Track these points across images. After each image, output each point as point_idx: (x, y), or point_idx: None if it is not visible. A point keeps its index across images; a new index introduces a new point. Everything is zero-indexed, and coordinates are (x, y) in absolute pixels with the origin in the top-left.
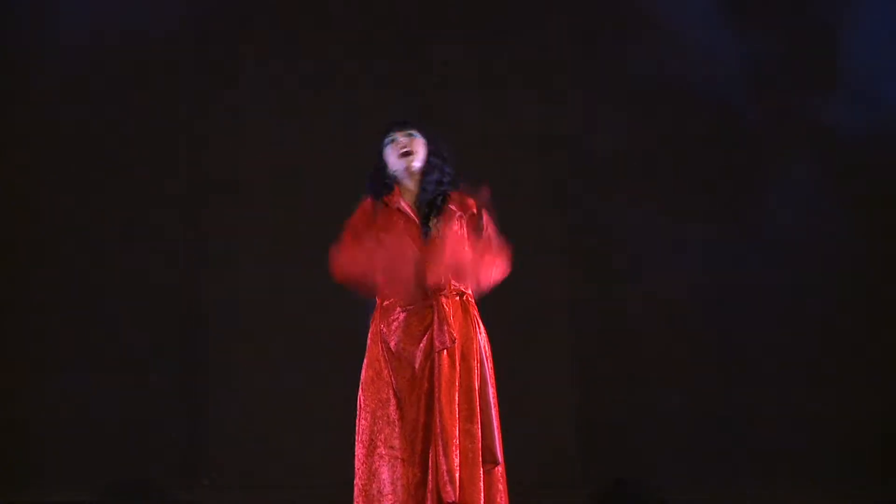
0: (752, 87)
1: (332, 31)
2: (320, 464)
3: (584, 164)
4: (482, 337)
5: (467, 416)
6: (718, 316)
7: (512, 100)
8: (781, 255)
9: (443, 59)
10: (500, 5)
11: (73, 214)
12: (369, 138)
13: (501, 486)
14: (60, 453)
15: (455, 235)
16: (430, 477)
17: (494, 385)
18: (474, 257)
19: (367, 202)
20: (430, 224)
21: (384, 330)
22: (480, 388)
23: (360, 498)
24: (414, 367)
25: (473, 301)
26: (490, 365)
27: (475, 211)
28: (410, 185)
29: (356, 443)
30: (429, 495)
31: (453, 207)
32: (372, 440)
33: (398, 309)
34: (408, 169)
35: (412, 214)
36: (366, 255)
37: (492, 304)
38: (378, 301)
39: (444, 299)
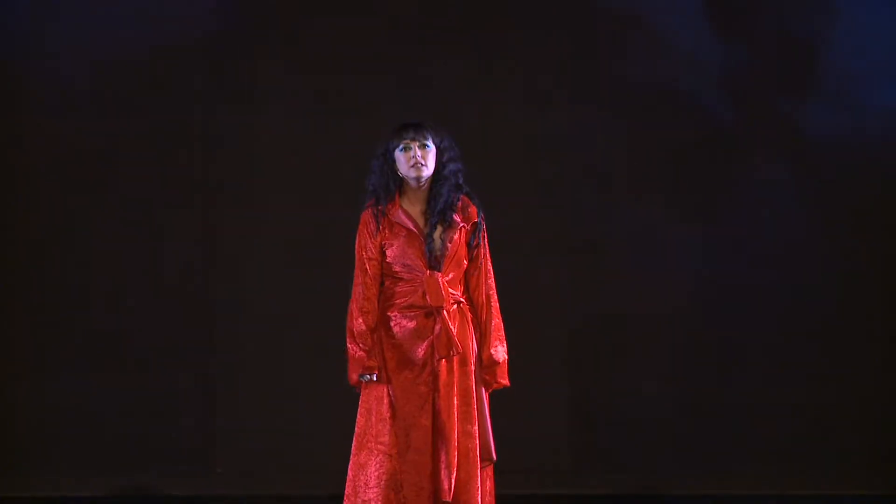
0: (739, 92)
1: (339, 39)
2: (324, 455)
3: (579, 166)
4: (475, 337)
5: (465, 418)
6: (712, 313)
7: (509, 103)
8: (771, 255)
9: (445, 65)
10: (499, 14)
11: (85, 215)
12: (374, 141)
13: (490, 482)
14: (72, 447)
15: (455, 246)
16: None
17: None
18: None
19: (367, 214)
20: (435, 237)
21: (384, 335)
22: (478, 388)
23: (349, 487)
24: (413, 372)
25: (468, 306)
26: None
27: (476, 220)
28: (417, 192)
29: (353, 436)
30: (429, 493)
31: (458, 218)
32: (365, 435)
33: (400, 316)
34: (417, 179)
35: (414, 228)
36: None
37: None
38: (381, 300)
39: (445, 312)
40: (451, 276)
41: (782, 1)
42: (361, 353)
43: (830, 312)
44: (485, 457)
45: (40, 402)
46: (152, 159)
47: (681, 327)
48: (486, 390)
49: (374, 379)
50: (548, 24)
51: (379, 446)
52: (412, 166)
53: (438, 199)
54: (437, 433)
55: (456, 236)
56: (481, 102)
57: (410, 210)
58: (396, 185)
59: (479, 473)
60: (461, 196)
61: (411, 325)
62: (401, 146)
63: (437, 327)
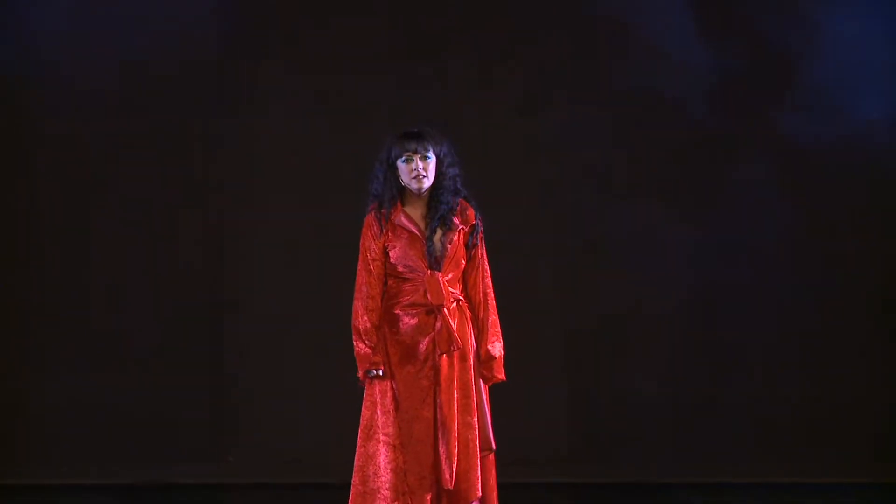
0: (732, 97)
1: (339, 40)
2: (331, 444)
3: (577, 168)
4: (473, 333)
5: (465, 410)
6: (707, 311)
7: (506, 108)
8: (766, 255)
9: (445, 67)
10: (498, 16)
11: (90, 214)
12: (374, 142)
13: (493, 471)
14: (87, 438)
15: (454, 247)
16: (433, 466)
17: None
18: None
19: (371, 217)
20: (436, 240)
21: (388, 331)
22: (476, 381)
23: (357, 477)
24: (415, 366)
25: (467, 303)
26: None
27: (473, 222)
28: (418, 199)
29: (359, 428)
30: (431, 483)
31: (457, 221)
32: (371, 426)
33: (402, 314)
34: (419, 189)
35: (416, 231)
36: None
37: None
38: (383, 303)
39: (446, 310)
40: (450, 275)
41: (768, 14)
42: (367, 349)
43: (823, 311)
44: (484, 447)
45: (57, 395)
46: (154, 160)
47: (677, 324)
48: (485, 384)
49: (381, 374)
50: (546, 27)
51: (384, 437)
52: (414, 178)
53: (438, 204)
54: (439, 425)
55: (455, 238)
56: (480, 103)
57: (412, 214)
58: (399, 192)
59: (478, 462)
60: (460, 199)
61: (413, 322)
62: (403, 157)
63: (438, 324)
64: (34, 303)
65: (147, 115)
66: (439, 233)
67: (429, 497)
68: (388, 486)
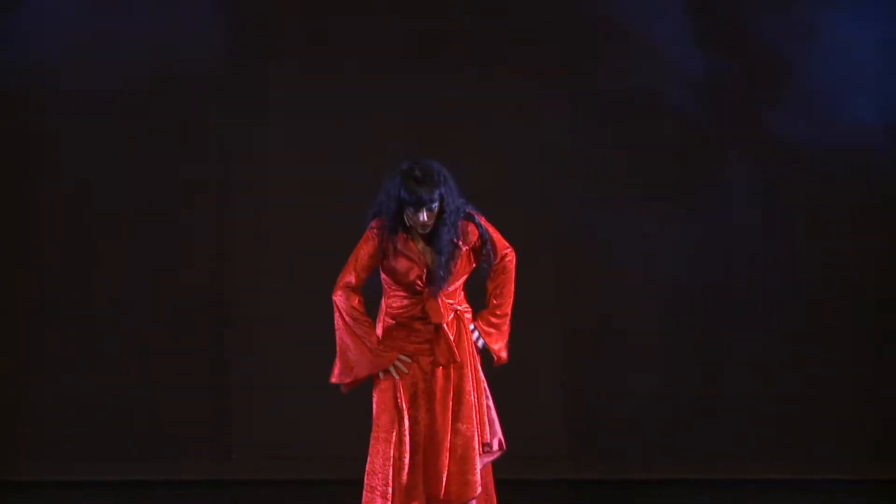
0: (724, 102)
1: (344, 44)
2: (335, 441)
3: (574, 169)
4: (471, 338)
5: (458, 417)
6: (702, 310)
7: (502, 112)
8: (759, 254)
9: (446, 71)
10: (499, 19)
11: (96, 215)
12: (379, 145)
13: (490, 466)
14: (91, 434)
15: (461, 270)
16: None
17: (483, 375)
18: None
19: (373, 233)
20: (437, 266)
21: (387, 340)
22: (475, 387)
23: (366, 473)
24: (413, 375)
25: (465, 311)
26: (478, 360)
27: (476, 237)
28: (422, 234)
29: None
30: (422, 488)
31: (460, 244)
32: (376, 424)
33: (402, 325)
34: (424, 231)
35: (418, 259)
36: (339, 328)
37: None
38: (383, 306)
39: (445, 326)
40: (450, 289)
41: (762, 18)
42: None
43: (820, 311)
44: (498, 447)
45: (62, 391)
46: (154, 160)
47: (675, 323)
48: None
49: (403, 366)
50: (545, 32)
51: (383, 434)
52: (420, 226)
53: (441, 239)
54: (431, 433)
55: (458, 260)
56: (480, 104)
57: (416, 244)
58: (403, 227)
59: (475, 465)
60: (460, 221)
61: (413, 333)
62: (411, 207)
63: (438, 337)
64: (35, 302)
65: (149, 116)
66: (441, 259)
67: (425, 496)
68: (384, 482)
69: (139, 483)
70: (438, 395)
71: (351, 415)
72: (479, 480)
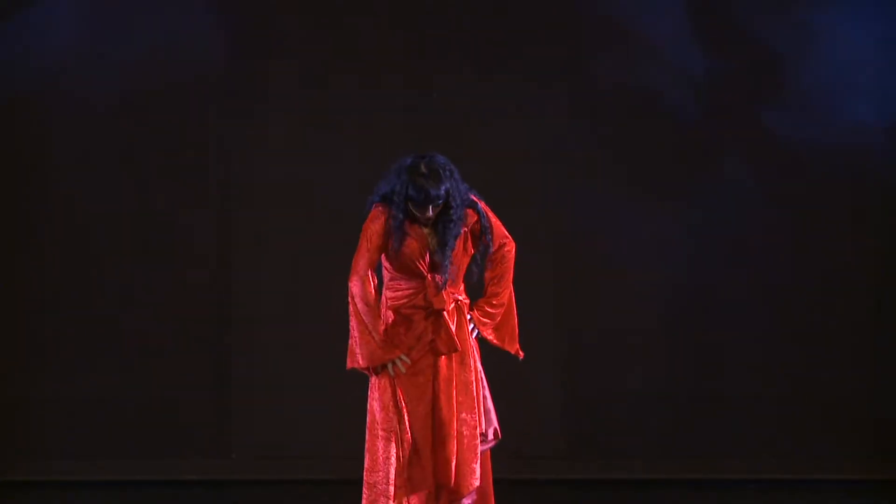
0: (724, 101)
1: (345, 44)
2: (335, 441)
3: (573, 169)
4: (472, 331)
5: (462, 408)
6: (700, 309)
7: (502, 112)
8: (759, 254)
9: (446, 70)
10: (499, 20)
11: (97, 215)
12: (379, 145)
13: (489, 462)
14: (92, 433)
15: (456, 252)
16: (431, 461)
17: (483, 367)
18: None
19: (379, 211)
20: (439, 250)
21: (388, 331)
22: (476, 378)
23: (365, 470)
24: (415, 365)
25: (465, 301)
26: (477, 352)
27: (476, 222)
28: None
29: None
30: (430, 477)
31: (463, 228)
32: (374, 421)
33: (402, 314)
34: (427, 223)
35: (421, 243)
36: (351, 314)
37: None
38: (383, 297)
39: (446, 313)
40: (451, 278)
41: (762, 18)
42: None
43: (819, 310)
44: (493, 436)
45: (62, 391)
46: (155, 160)
47: (675, 323)
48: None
49: (405, 359)
50: (545, 32)
51: (382, 432)
52: (424, 220)
53: (447, 233)
54: (438, 423)
55: (458, 244)
56: (480, 104)
57: (419, 227)
58: (408, 216)
59: (476, 456)
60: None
61: (414, 322)
62: (417, 204)
63: (438, 326)
64: (35, 302)
65: (149, 116)
66: (446, 251)
67: (427, 491)
68: (385, 479)
69: (139, 483)
70: (442, 385)
71: (351, 415)
72: (479, 471)
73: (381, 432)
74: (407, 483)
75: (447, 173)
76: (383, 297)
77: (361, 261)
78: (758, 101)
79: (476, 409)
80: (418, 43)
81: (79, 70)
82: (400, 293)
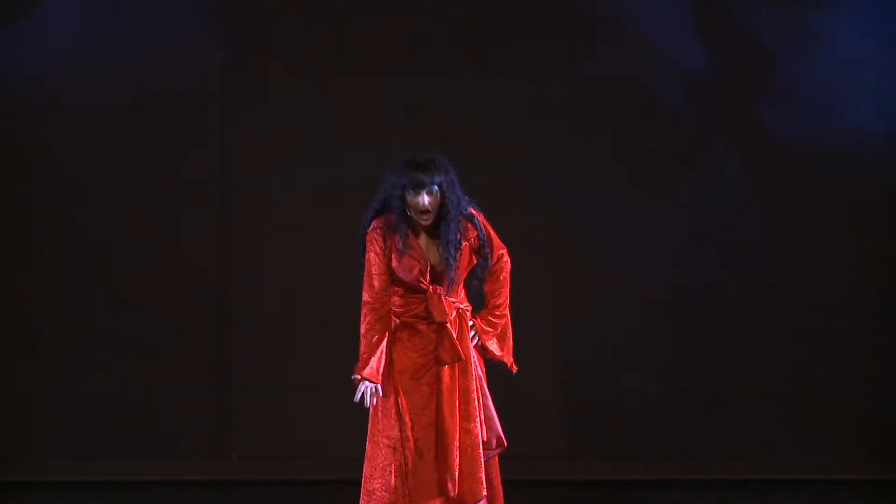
0: (719, 99)
1: (346, 44)
2: (335, 442)
3: (573, 168)
4: (473, 339)
5: (465, 416)
6: (700, 308)
7: (502, 112)
8: (759, 253)
9: (446, 71)
10: (498, 21)
11: (98, 215)
12: (379, 145)
13: (497, 469)
14: (92, 434)
15: (463, 267)
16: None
17: (485, 374)
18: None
19: (375, 234)
20: (440, 263)
21: (391, 341)
22: (478, 385)
23: (363, 477)
24: (417, 375)
25: (466, 309)
26: (480, 360)
27: (475, 237)
28: (425, 227)
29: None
30: (434, 487)
31: (461, 240)
32: (376, 430)
33: (405, 324)
34: (426, 223)
35: (422, 256)
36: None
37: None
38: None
39: (448, 324)
40: (452, 287)
41: (762, 18)
42: (373, 367)
43: (819, 310)
44: (498, 444)
45: (62, 391)
46: (156, 160)
47: (674, 322)
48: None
49: (373, 389)
50: (545, 32)
51: (384, 440)
52: (420, 212)
53: (443, 234)
54: (441, 432)
55: (458, 256)
56: (480, 104)
57: (418, 240)
58: (407, 220)
59: (482, 465)
60: (464, 216)
61: (416, 333)
62: (412, 190)
63: (442, 336)
64: (35, 302)
65: (150, 116)
66: (444, 256)
67: (431, 501)
68: (383, 487)
69: (139, 483)
70: (445, 394)
71: (351, 415)
72: (484, 479)
73: (382, 440)
74: (410, 492)
75: (442, 167)
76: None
77: (366, 291)
78: (758, 101)
79: (476, 417)
80: (418, 43)
81: (79, 69)
82: (402, 303)
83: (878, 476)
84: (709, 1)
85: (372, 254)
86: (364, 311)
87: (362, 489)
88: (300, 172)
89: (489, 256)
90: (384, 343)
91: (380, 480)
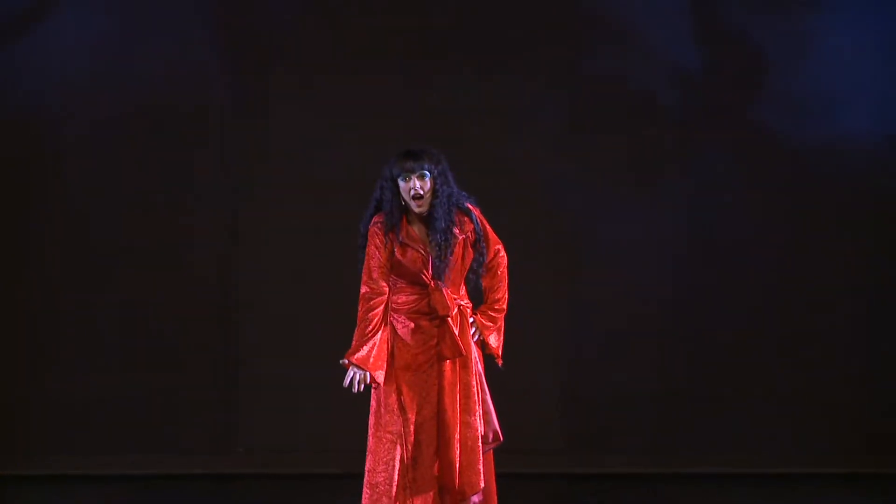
0: (719, 99)
1: (348, 48)
2: (339, 436)
3: (573, 168)
4: (475, 335)
5: (465, 410)
6: (697, 304)
7: (502, 112)
8: (758, 252)
9: (446, 72)
10: (497, 22)
11: (99, 215)
12: (379, 145)
13: (492, 464)
14: (100, 429)
15: (456, 258)
16: (437, 464)
17: (484, 370)
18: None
19: (375, 228)
20: (438, 255)
21: (392, 336)
22: (478, 380)
23: (365, 470)
24: (419, 370)
25: (467, 305)
26: (479, 355)
27: (471, 231)
28: (419, 217)
29: (368, 425)
30: (434, 479)
31: (457, 232)
32: (376, 424)
33: (406, 320)
34: (418, 209)
35: (420, 248)
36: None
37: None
38: (390, 303)
39: (450, 319)
40: (451, 282)
41: (760, 20)
42: (365, 354)
43: (818, 308)
44: (494, 438)
45: (71, 388)
46: (158, 160)
47: (672, 319)
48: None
49: (364, 377)
50: (545, 32)
51: (387, 434)
52: (412, 197)
53: (438, 222)
54: (442, 426)
55: (457, 250)
56: (480, 104)
57: (416, 231)
58: (403, 210)
59: (480, 458)
60: (456, 213)
61: (418, 328)
62: (402, 176)
63: (443, 332)
64: (35, 302)
65: (150, 116)
66: (441, 248)
67: (432, 493)
68: (387, 480)
69: (148, 477)
70: (447, 388)
71: (355, 410)
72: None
73: (385, 434)
74: (411, 485)
75: (434, 157)
76: (390, 303)
77: (365, 284)
78: (756, 102)
79: (476, 412)
80: (418, 43)
81: (79, 70)
82: (405, 299)
83: (875, 470)
84: (707, 3)
85: (372, 247)
86: (361, 301)
87: (365, 482)
88: (301, 172)
89: (485, 251)
90: (379, 334)
91: (382, 474)
